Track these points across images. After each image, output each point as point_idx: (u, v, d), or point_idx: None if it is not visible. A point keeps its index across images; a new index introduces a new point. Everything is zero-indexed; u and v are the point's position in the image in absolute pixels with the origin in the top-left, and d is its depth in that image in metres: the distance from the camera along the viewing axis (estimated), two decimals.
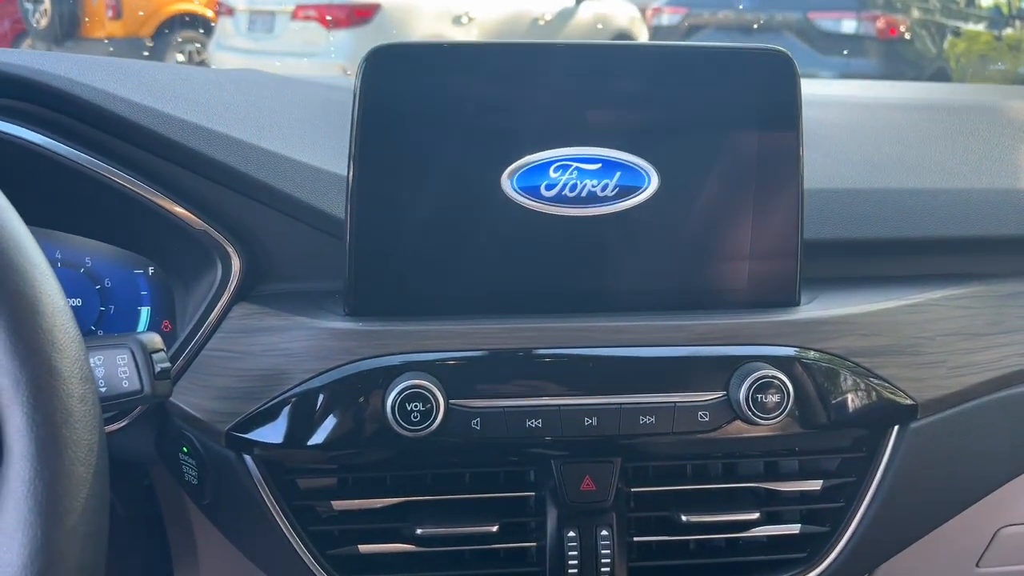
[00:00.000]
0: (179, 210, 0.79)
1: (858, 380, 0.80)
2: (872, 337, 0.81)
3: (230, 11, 5.74)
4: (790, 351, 0.78)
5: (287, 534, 0.77)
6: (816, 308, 0.82)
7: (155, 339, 0.69)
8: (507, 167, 0.76)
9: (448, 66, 0.75)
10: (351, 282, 0.77)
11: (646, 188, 0.78)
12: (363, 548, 0.79)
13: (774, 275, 0.81)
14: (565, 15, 5.54)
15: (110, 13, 5.71)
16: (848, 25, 5.47)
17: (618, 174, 0.77)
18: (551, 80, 0.76)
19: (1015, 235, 0.90)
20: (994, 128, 1.06)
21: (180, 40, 5.78)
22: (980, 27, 6.08)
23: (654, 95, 0.77)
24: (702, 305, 0.80)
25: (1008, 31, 5.99)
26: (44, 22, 5.50)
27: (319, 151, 0.84)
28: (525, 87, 0.76)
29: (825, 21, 5.34)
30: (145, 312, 0.91)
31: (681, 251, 0.79)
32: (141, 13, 5.70)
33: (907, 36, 5.54)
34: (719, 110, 0.78)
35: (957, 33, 5.87)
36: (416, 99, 0.74)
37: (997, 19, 6.11)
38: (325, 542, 0.79)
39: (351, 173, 0.75)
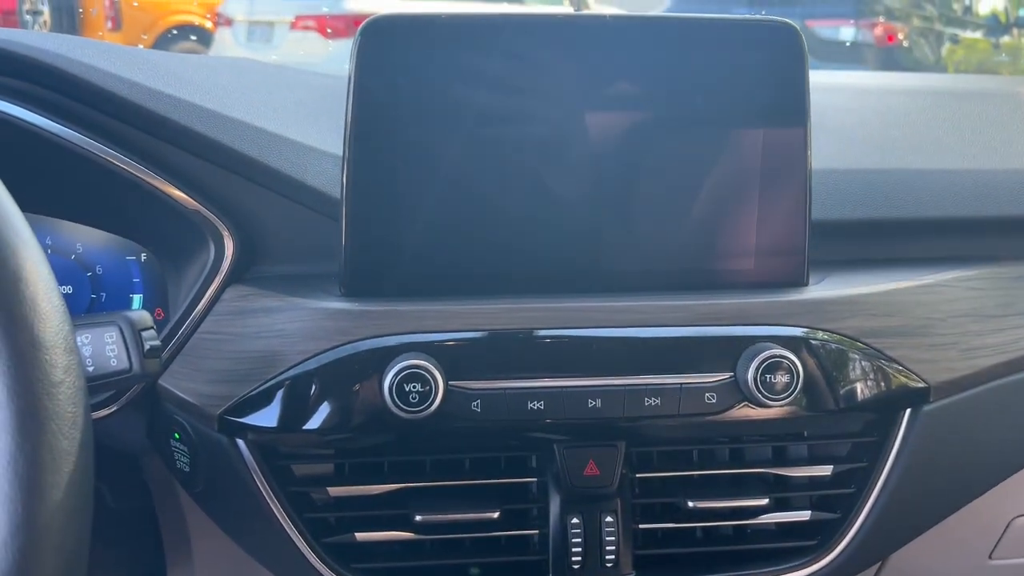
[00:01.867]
0: (171, 190, 0.77)
1: (869, 361, 0.77)
2: (882, 318, 0.79)
3: (229, 22, 5.75)
4: (799, 331, 0.76)
5: (281, 522, 0.75)
6: (825, 288, 0.80)
7: (144, 317, 0.67)
8: (507, 143, 0.74)
9: (446, 38, 0.73)
10: (347, 262, 0.75)
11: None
12: (360, 536, 0.76)
13: (782, 255, 0.79)
14: None
15: (109, 25, 5.71)
16: (847, 32, 5.48)
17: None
18: (551, 53, 0.75)
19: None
20: (1002, 112, 1.04)
21: (179, 51, 5.79)
22: (978, 35, 6.09)
23: (657, 69, 0.75)
24: (709, 286, 0.78)
25: (1006, 39, 6.00)
26: None
27: (315, 132, 0.82)
28: (524, 60, 0.74)
29: (824, 29, 5.34)
30: (137, 299, 0.89)
31: (687, 231, 0.77)
32: (140, 24, 5.71)
33: (905, 43, 5.54)
34: (724, 84, 0.76)
35: (955, 40, 5.88)
36: (413, 72, 0.73)
37: (995, 27, 6.12)
38: (321, 530, 0.76)
39: (346, 149, 0.73)
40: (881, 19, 5.50)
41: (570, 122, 0.75)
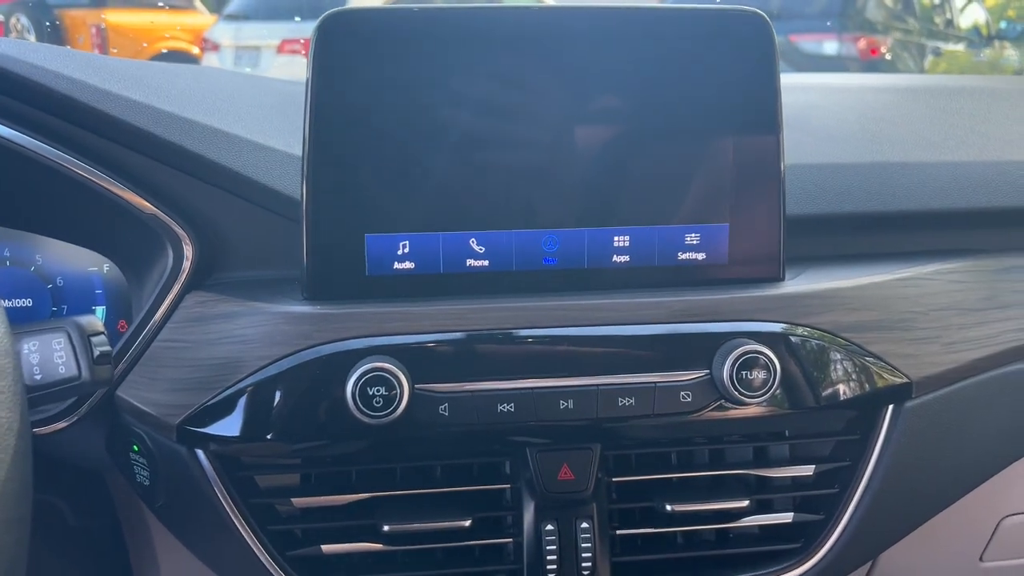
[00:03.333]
0: (127, 194, 0.75)
1: (848, 357, 0.75)
2: (861, 312, 0.77)
3: (216, 47, 5.76)
4: (776, 327, 0.74)
5: (244, 535, 0.72)
6: (802, 283, 0.77)
7: (94, 322, 0.64)
8: (471, 139, 0.72)
9: (404, 33, 0.71)
10: (308, 264, 0.72)
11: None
12: (326, 548, 0.73)
13: (757, 250, 0.77)
14: None
15: (96, 52, 5.72)
16: (830, 47, 5.51)
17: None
18: (514, 46, 0.73)
19: (1005, 207, 0.87)
20: (979, 106, 1.03)
21: None
22: (960, 47, 6.13)
23: (625, 60, 0.74)
24: (683, 283, 0.76)
25: (987, 51, 6.04)
26: None
27: (278, 135, 0.80)
28: (486, 54, 0.72)
29: (807, 43, 5.37)
30: (100, 312, 0.87)
31: (659, 227, 0.75)
32: (127, 52, 5.70)
33: (888, 57, 5.57)
34: (693, 76, 0.74)
35: (938, 53, 5.92)
36: (373, 69, 0.71)
37: (976, 40, 6.17)
38: (285, 543, 0.74)
39: (306, 149, 0.71)
40: (864, 33, 5.54)
41: (537, 117, 0.73)
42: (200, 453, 0.72)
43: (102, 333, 0.64)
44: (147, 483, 0.76)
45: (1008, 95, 1.07)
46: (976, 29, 6.26)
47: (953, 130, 0.95)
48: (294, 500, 0.73)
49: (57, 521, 0.86)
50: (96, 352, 0.63)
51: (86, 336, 0.63)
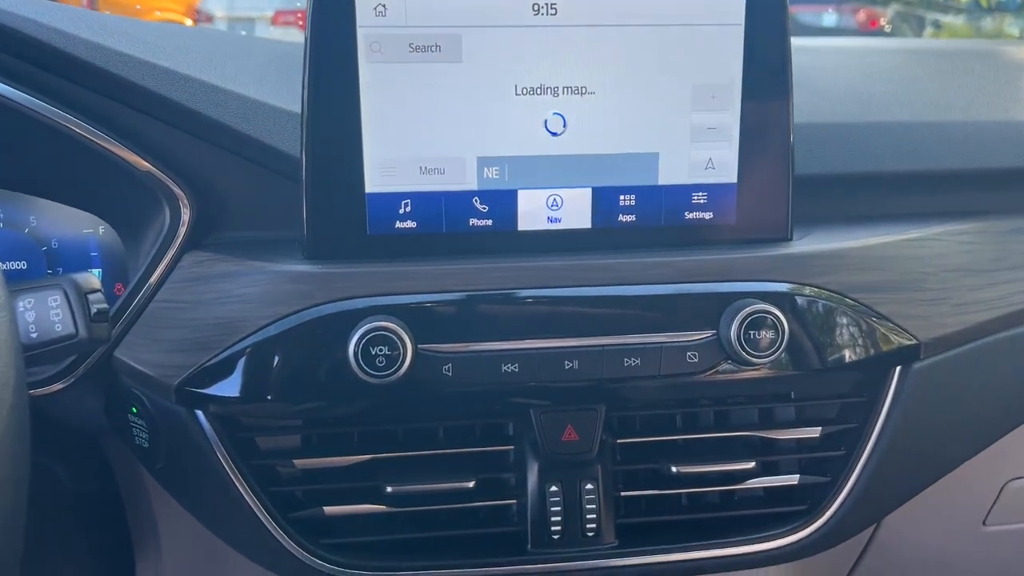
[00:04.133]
0: (122, 152, 0.73)
1: (857, 317, 0.74)
2: (870, 272, 0.76)
3: (209, 18, 5.69)
4: (783, 287, 0.73)
5: (245, 497, 0.71)
6: (810, 243, 0.76)
7: (91, 279, 0.63)
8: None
9: None
10: (308, 223, 0.71)
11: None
12: (328, 510, 0.73)
13: (764, 209, 0.76)
14: None
15: None
16: (829, 18, 5.46)
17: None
18: None
19: (1016, 167, 0.85)
20: (987, 67, 1.01)
21: None
22: (960, 19, 6.08)
23: (622, 9, 0.72)
24: (689, 243, 0.75)
25: (987, 22, 5.99)
26: None
27: (275, 93, 0.78)
28: None
29: (805, 14, 5.32)
30: (96, 274, 0.85)
31: (666, 186, 0.74)
32: None
33: (887, 28, 5.53)
34: (695, 26, 0.72)
35: (937, 25, 5.87)
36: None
37: (976, 11, 6.12)
38: (287, 504, 0.73)
39: (305, 104, 0.69)
40: (863, 4, 5.49)
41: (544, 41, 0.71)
42: (200, 414, 0.71)
43: (99, 291, 0.63)
44: (146, 445, 0.75)
45: (1015, 56, 1.06)
46: (975, 1, 6.21)
47: (962, 91, 0.93)
48: (296, 461, 0.73)
49: (55, 487, 0.86)
50: (93, 310, 0.61)
51: (83, 293, 0.62)
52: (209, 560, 0.86)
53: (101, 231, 0.84)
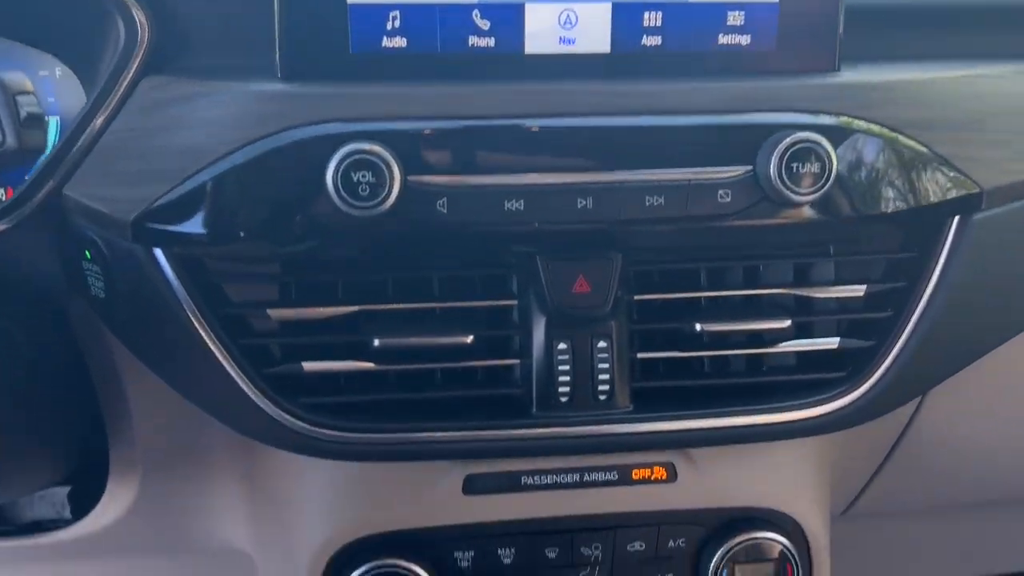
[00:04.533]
0: None
1: (912, 158, 0.65)
2: (927, 107, 0.66)
3: None
4: (830, 119, 0.63)
5: (214, 350, 0.63)
6: (861, 74, 0.66)
7: (21, 80, 0.54)
8: None
9: None
10: (282, 38, 0.61)
11: None
12: (308, 366, 0.64)
13: (810, 34, 0.65)
14: None
15: None
16: None
17: None
18: None
19: None
20: None
21: None
22: None
23: None
24: (725, 70, 0.65)
25: None
26: None
27: None
28: None
29: None
30: (54, 123, 0.76)
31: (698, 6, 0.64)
32: None
33: None
34: None
35: None
36: None
37: None
38: (261, 359, 0.65)
39: None
40: None
41: None
42: (159, 254, 0.62)
43: (30, 92, 0.53)
44: (103, 295, 0.66)
45: None
46: None
47: None
48: (270, 311, 0.64)
49: (11, 350, 0.77)
50: (23, 113, 0.52)
51: (10, 95, 0.52)
52: (186, 430, 0.79)
53: (58, 73, 0.74)
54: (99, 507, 0.84)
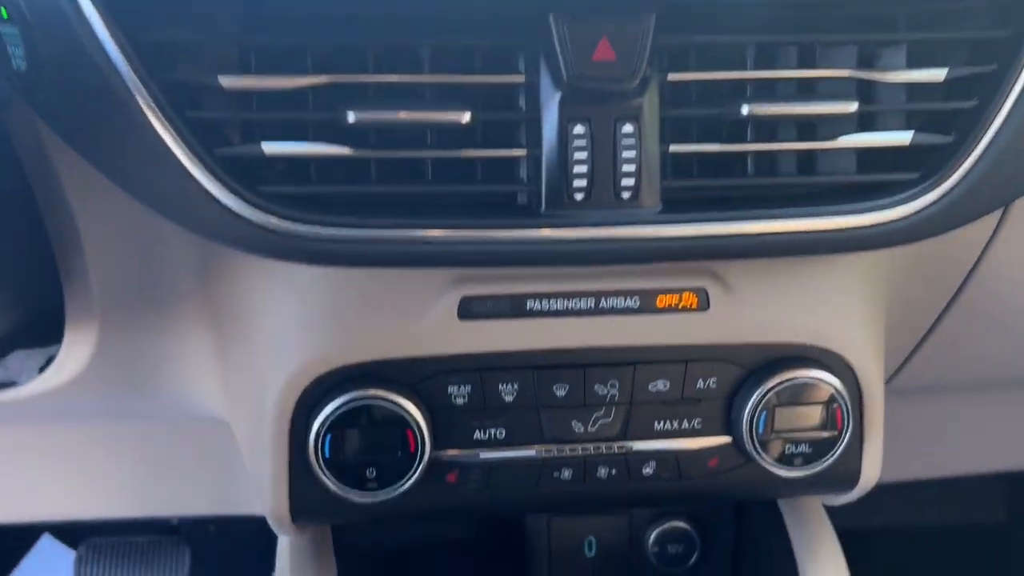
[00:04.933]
0: None
1: None
2: None
3: None
4: None
5: (155, 124, 0.51)
6: None
7: None
8: None
9: None
10: None
11: None
12: (269, 148, 0.53)
13: None
14: None
15: None
16: None
17: None
18: None
19: None
20: None
21: None
22: None
23: None
24: None
25: None
26: None
27: None
28: None
29: None
30: None
31: None
32: None
33: None
34: None
35: None
36: None
37: None
38: (213, 137, 0.53)
39: None
40: None
41: None
42: (86, 3, 0.50)
43: None
44: (23, 66, 0.55)
45: None
46: None
47: None
48: (223, 79, 0.52)
49: None
50: None
51: None
52: (142, 266, 0.68)
53: None
54: (57, 361, 0.74)
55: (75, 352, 0.73)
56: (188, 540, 1.33)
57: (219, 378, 0.73)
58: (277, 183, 0.54)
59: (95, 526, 1.35)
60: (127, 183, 0.56)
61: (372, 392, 0.59)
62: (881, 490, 0.76)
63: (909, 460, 1.03)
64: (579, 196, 0.54)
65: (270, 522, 0.65)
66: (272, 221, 0.53)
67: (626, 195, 0.54)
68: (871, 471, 0.67)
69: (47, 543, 1.62)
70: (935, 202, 0.57)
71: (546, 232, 0.54)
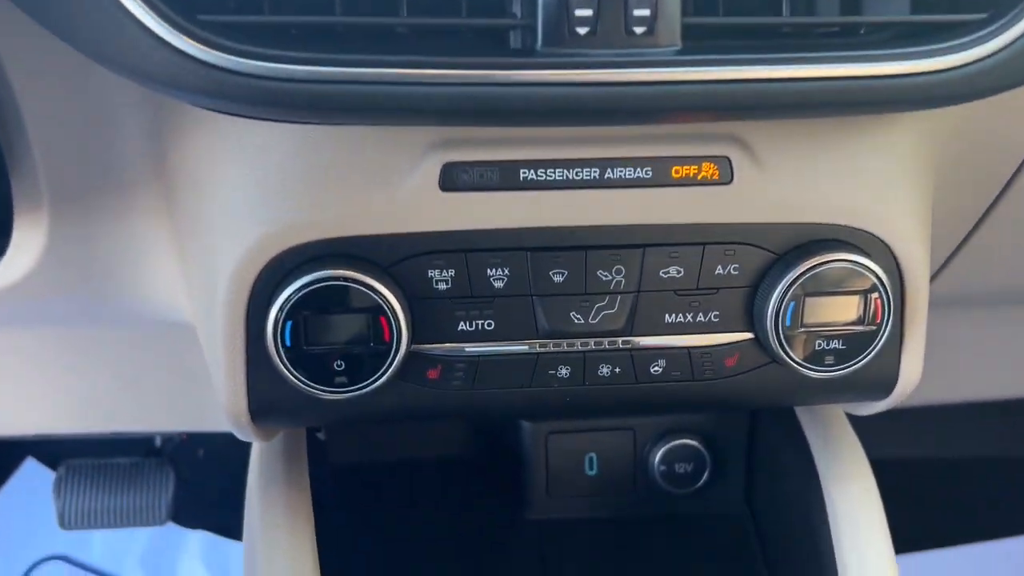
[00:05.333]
0: None
1: None
2: None
3: None
4: None
5: None
6: None
7: None
8: None
9: None
10: None
11: None
12: None
13: None
14: None
15: None
16: None
17: None
18: None
19: None
20: None
21: None
22: None
23: None
24: None
25: None
26: None
27: None
28: None
29: None
30: None
31: None
32: None
33: None
34: None
35: None
36: None
37: None
38: None
39: None
40: None
41: None
42: None
43: None
44: None
45: None
46: None
47: None
48: None
49: None
50: None
51: None
52: (89, 146, 0.60)
53: None
54: (8, 256, 0.67)
55: (25, 245, 0.66)
56: (172, 462, 1.28)
57: (183, 276, 0.66)
58: (221, 12, 0.45)
59: (78, 449, 1.30)
60: (57, 24, 0.48)
61: (339, 273, 0.51)
62: (904, 413, 0.69)
63: (938, 381, 0.96)
64: (582, 31, 0.45)
65: (228, 422, 0.58)
66: (213, 56, 0.44)
67: (639, 30, 0.45)
68: (911, 373, 0.59)
69: (31, 466, 1.57)
70: (1005, 47, 0.47)
71: (543, 73, 0.45)
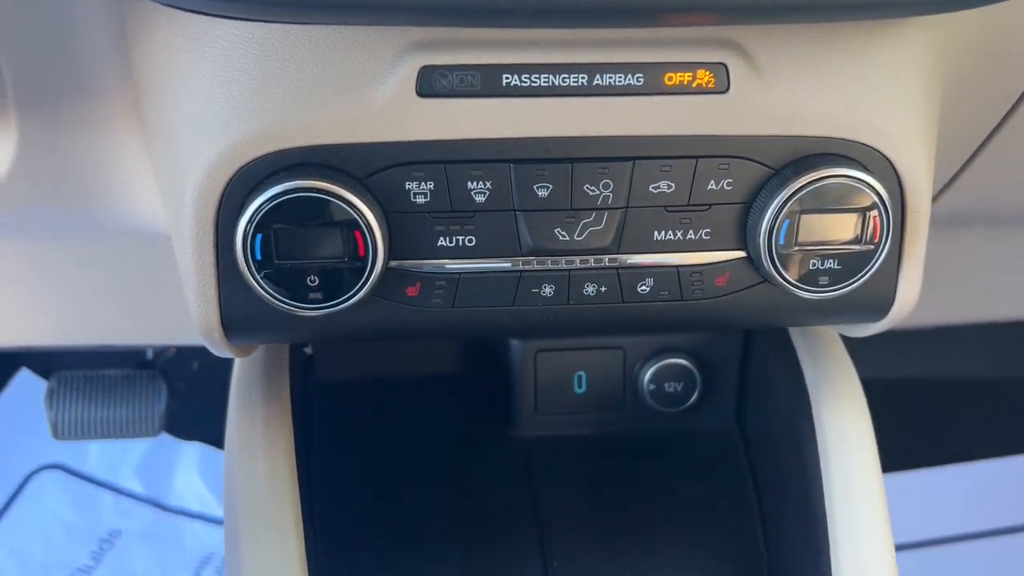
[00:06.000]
0: None
1: None
2: None
3: None
4: None
5: None
6: None
7: None
8: None
9: None
10: None
11: None
12: None
13: None
14: None
15: None
16: None
17: None
18: None
19: None
20: None
21: None
22: None
23: None
24: None
25: None
26: None
27: None
28: None
29: None
30: None
31: None
32: None
33: None
34: None
35: None
36: None
37: None
38: None
39: None
40: None
41: None
42: None
43: None
44: None
45: None
46: None
47: None
48: None
49: None
50: None
51: None
52: (56, 32, 0.57)
53: None
54: None
55: None
56: (164, 374, 1.27)
57: (158, 186, 0.63)
58: None
59: (71, 362, 1.30)
60: None
61: (310, 184, 0.49)
62: (901, 334, 0.67)
63: (935, 303, 0.95)
64: None
65: (201, 337, 0.56)
66: None
67: None
68: (908, 295, 0.57)
69: (26, 377, 1.58)
70: None
71: None
